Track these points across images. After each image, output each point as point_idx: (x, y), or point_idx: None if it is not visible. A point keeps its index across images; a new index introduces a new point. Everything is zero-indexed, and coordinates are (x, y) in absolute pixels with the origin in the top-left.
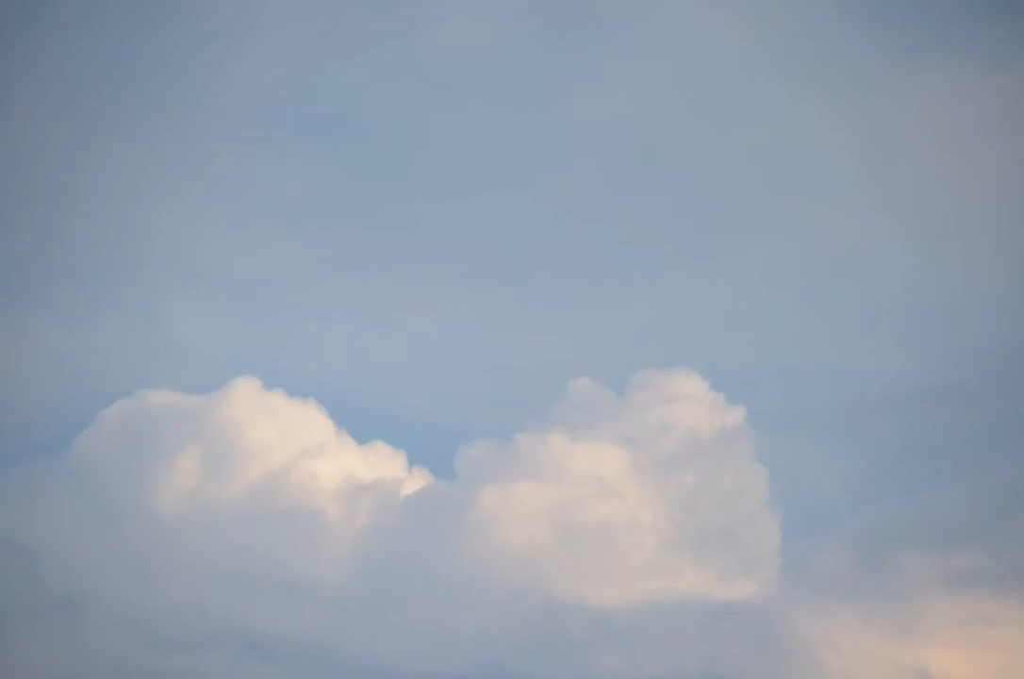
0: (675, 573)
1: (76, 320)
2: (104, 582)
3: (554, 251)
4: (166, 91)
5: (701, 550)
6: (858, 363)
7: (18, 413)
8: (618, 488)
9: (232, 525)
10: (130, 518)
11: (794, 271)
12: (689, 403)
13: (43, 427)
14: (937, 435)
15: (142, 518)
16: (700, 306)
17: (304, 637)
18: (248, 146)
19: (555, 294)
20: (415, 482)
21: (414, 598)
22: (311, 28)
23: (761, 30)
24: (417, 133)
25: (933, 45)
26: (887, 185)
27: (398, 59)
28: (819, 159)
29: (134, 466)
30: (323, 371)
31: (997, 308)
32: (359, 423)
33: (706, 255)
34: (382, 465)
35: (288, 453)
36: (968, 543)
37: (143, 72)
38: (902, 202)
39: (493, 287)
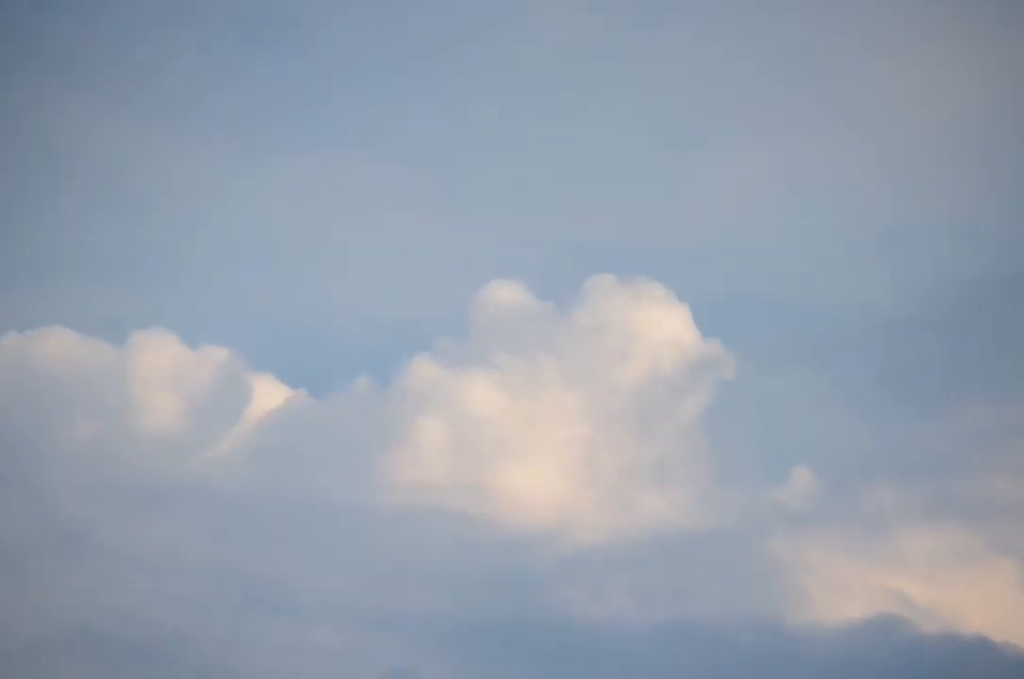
0: (639, 505)
1: None
2: None
3: (494, 150)
4: None
5: (669, 482)
6: (837, 292)
7: None
8: (570, 414)
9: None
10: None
11: (774, 198)
12: (652, 318)
13: None
14: (914, 365)
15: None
16: (672, 222)
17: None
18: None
19: (504, 199)
20: (336, 411)
21: (365, 535)
22: None
23: None
24: (331, 32)
25: None
26: (868, 114)
27: None
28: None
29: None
30: (232, 310)
31: (977, 237)
32: (269, 359)
33: (676, 174)
34: (283, 396)
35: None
36: (943, 473)
37: None
38: (883, 131)
39: (420, 190)
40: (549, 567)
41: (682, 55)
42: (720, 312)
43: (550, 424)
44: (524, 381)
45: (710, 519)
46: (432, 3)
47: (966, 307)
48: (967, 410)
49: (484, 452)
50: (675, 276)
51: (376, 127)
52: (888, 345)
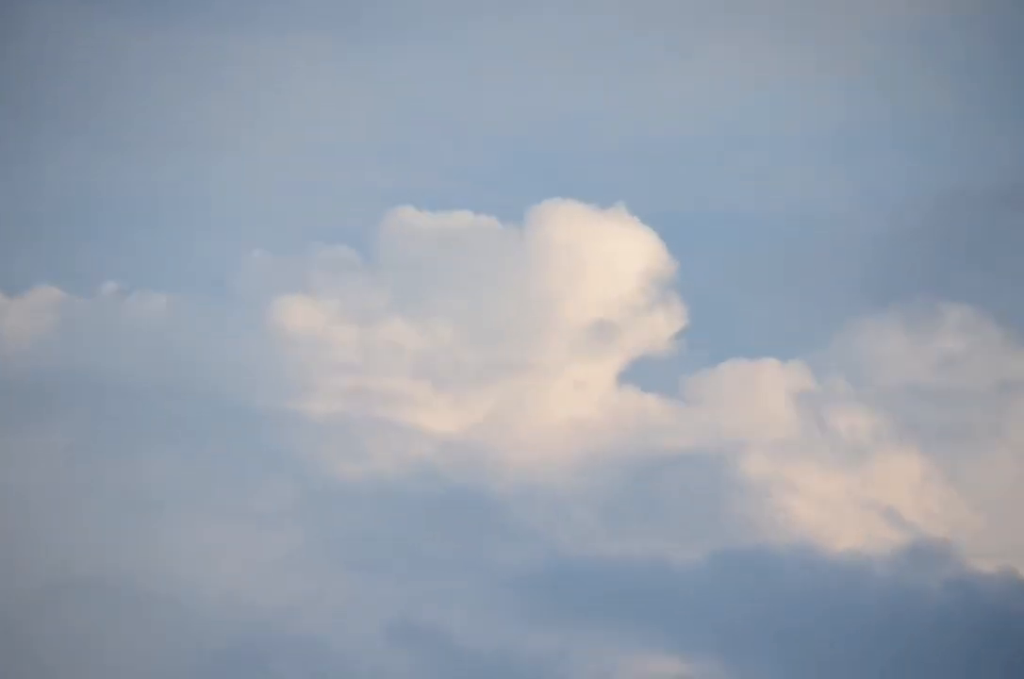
0: (604, 431)
1: None
2: None
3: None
4: None
5: (637, 408)
6: (807, 204)
7: None
8: (523, 337)
9: None
10: None
11: (740, 107)
12: (609, 234)
13: None
14: (888, 280)
15: None
16: (628, 131)
17: None
18: None
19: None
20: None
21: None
22: None
23: None
24: None
25: None
26: (840, 20)
27: None
28: None
29: None
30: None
31: (956, 147)
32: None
33: (635, 77)
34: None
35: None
36: (916, 395)
37: None
38: (857, 37)
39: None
40: (512, 494)
41: None
42: (684, 227)
43: (502, 349)
44: (471, 302)
45: (680, 441)
46: None
47: (942, 219)
48: (940, 329)
49: (426, 372)
50: (633, 190)
51: None
52: (861, 260)
